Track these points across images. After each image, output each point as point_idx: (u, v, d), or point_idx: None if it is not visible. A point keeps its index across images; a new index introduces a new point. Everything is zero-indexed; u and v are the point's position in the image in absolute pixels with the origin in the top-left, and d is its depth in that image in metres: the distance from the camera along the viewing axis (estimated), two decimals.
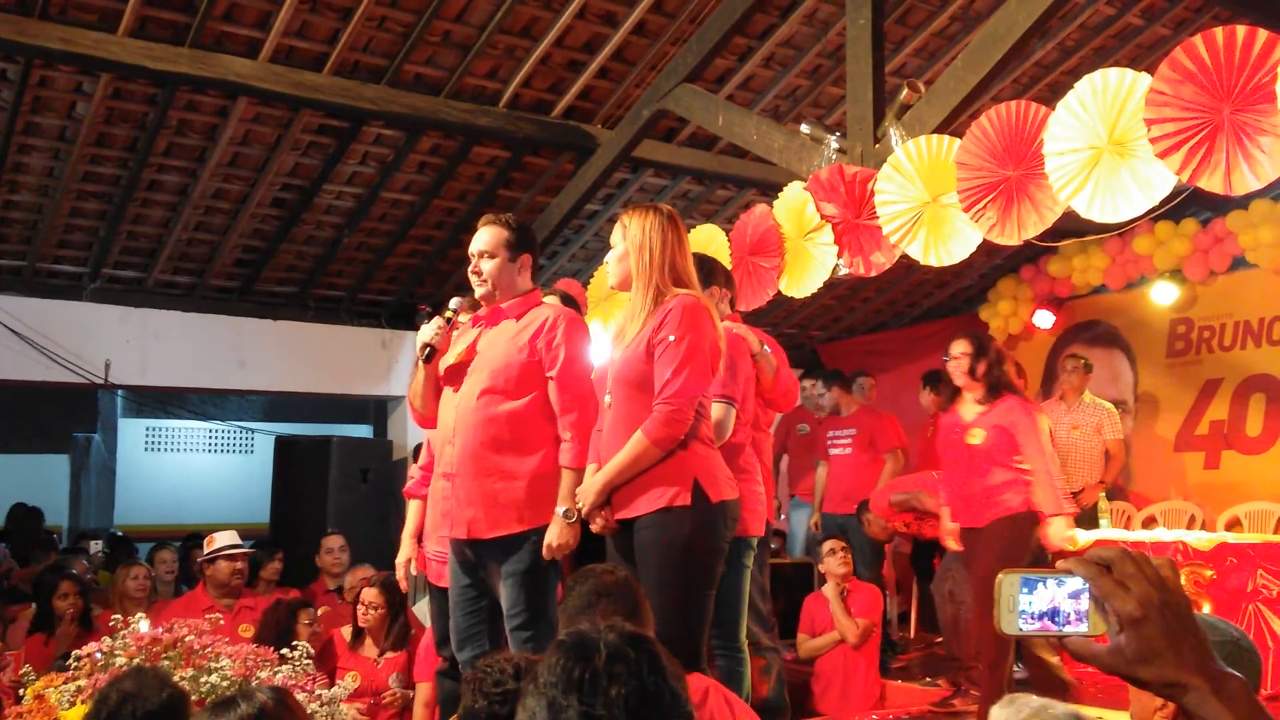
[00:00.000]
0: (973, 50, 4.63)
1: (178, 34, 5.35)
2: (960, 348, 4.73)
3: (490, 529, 3.32)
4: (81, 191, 6.33)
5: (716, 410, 3.74)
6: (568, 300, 4.38)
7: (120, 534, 10.38)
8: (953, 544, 5.21)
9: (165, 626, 3.32)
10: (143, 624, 3.15)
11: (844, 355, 9.38)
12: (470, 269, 3.51)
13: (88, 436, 13.05)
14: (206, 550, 5.57)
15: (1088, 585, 1.06)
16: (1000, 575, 1.10)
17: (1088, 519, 6.78)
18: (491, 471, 3.33)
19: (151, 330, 7.27)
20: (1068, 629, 1.08)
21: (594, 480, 3.20)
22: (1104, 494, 6.86)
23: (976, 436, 4.67)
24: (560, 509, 3.26)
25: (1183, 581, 4.92)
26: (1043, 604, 1.09)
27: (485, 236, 3.49)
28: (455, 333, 3.70)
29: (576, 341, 3.40)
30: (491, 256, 3.46)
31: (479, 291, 3.50)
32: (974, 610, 5.00)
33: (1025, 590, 1.09)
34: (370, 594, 5.07)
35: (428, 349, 3.51)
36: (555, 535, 3.25)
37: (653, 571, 2.97)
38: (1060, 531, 4.61)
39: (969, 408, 4.76)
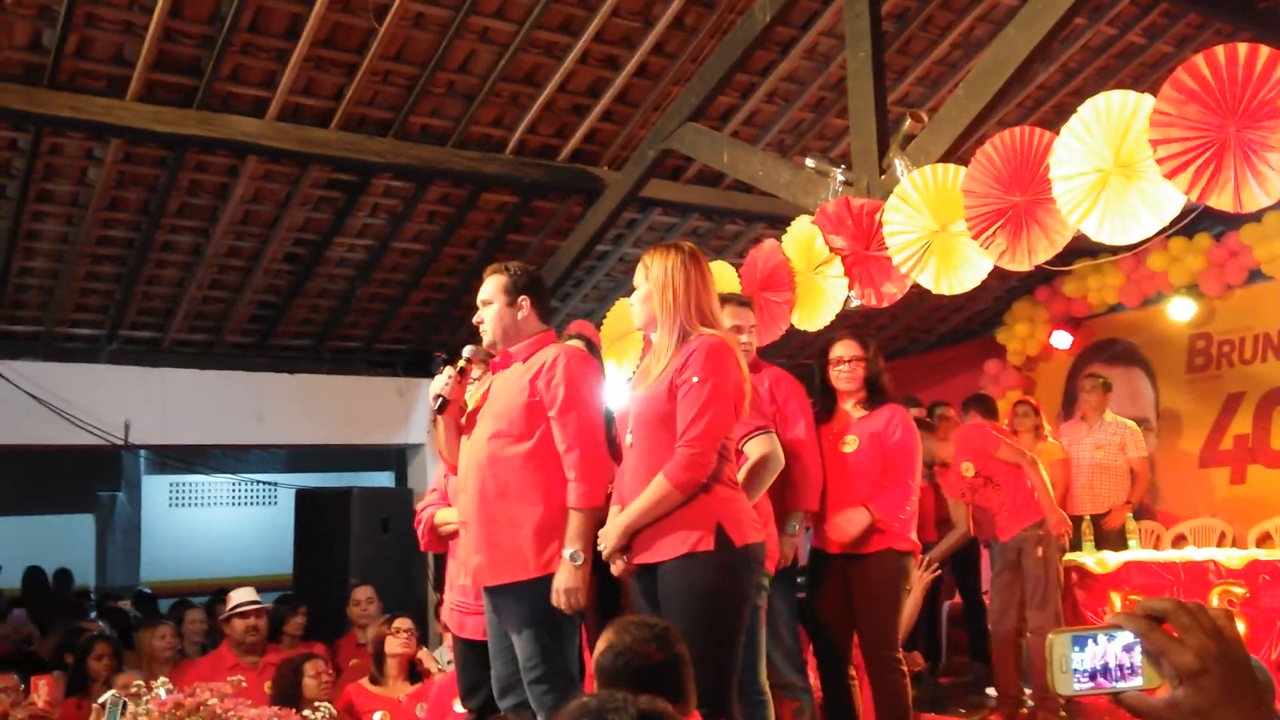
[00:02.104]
0: (974, 77, 4.63)
1: (185, 96, 5.41)
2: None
3: (495, 576, 3.28)
4: (96, 255, 6.38)
5: (762, 443, 3.72)
6: (587, 344, 4.38)
7: (148, 591, 10.41)
8: None
9: (188, 691, 3.30)
10: (161, 690, 3.14)
11: None
12: (475, 319, 3.54)
13: (112, 495, 13.13)
14: (226, 608, 5.58)
15: (1138, 639, 1.04)
16: (1051, 635, 1.09)
17: (1116, 540, 6.70)
18: (498, 518, 3.30)
19: (170, 389, 7.30)
20: (1121, 684, 1.05)
21: (615, 523, 3.16)
22: (1131, 514, 6.78)
23: (851, 444, 4.35)
24: (567, 552, 3.20)
25: (1215, 602, 4.88)
26: (1095, 661, 1.07)
27: (485, 286, 3.52)
28: (475, 379, 3.71)
29: (578, 379, 3.35)
30: (489, 304, 3.48)
31: (485, 340, 3.52)
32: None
33: (1076, 649, 1.07)
34: (405, 621, 5.09)
35: (439, 400, 3.51)
36: (563, 580, 3.19)
37: (678, 618, 2.90)
38: (851, 521, 4.20)
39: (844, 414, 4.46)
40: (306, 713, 3.24)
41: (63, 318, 6.82)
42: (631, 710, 1.49)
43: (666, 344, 3.17)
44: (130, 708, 3.09)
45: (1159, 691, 1.03)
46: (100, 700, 3.15)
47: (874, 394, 4.40)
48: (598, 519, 3.28)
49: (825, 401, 4.51)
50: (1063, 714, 5.27)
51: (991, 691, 6.11)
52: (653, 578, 3.11)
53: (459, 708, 4.51)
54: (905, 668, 4.25)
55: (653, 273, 3.22)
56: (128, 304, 6.80)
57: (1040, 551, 5.49)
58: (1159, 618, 1.03)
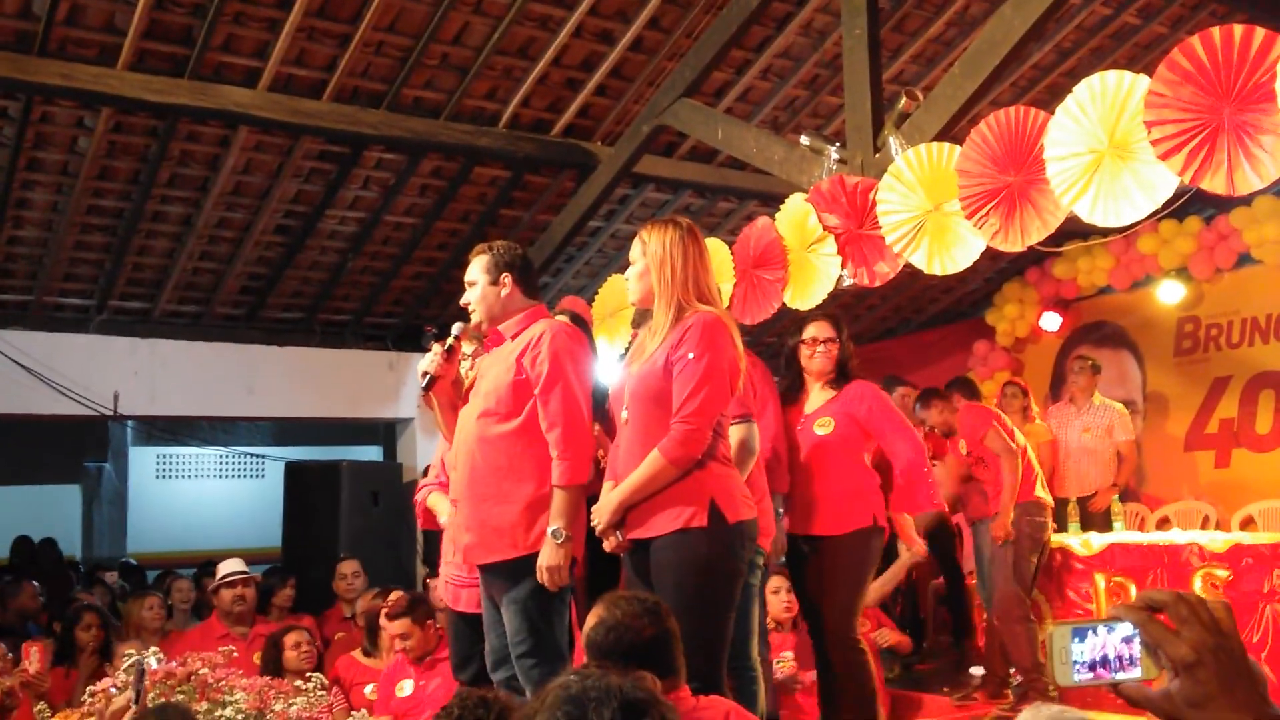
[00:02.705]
0: (970, 56, 4.62)
1: (177, 66, 5.37)
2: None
3: (485, 554, 3.29)
4: (86, 225, 6.35)
5: (739, 430, 3.73)
6: (577, 320, 4.36)
7: (134, 563, 10.41)
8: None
9: (179, 660, 3.31)
10: (152, 659, 3.14)
11: None
12: (462, 300, 3.55)
13: (99, 465, 13.08)
14: (215, 579, 5.60)
15: (1137, 630, 1.06)
16: (1051, 627, 1.11)
17: (1102, 522, 6.75)
18: (488, 496, 3.30)
19: (159, 360, 7.28)
20: (1120, 675, 1.07)
21: (609, 498, 3.16)
22: (1117, 496, 6.82)
23: (826, 426, 4.28)
24: (550, 529, 3.20)
25: (1198, 585, 4.88)
26: (1094, 652, 1.08)
27: (470, 267, 3.53)
28: (467, 356, 3.72)
29: (563, 355, 3.32)
30: (473, 285, 3.49)
31: (473, 320, 3.54)
32: None
33: (1076, 640, 1.09)
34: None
35: (427, 377, 3.52)
36: (546, 557, 3.19)
37: (670, 593, 2.92)
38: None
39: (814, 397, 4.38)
40: (298, 683, 3.25)
41: (52, 287, 6.79)
42: (614, 701, 1.44)
43: (663, 320, 3.17)
44: (124, 677, 3.09)
45: (1157, 683, 1.05)
46: (125, 665, 3.16)
47: (841, 375, 4.36)
48: (582, 496, 3.29)
49: (795, 382, 4.46)
50: (1053, 693, 5.31)
51: (976, 670, 6.16)
52: (645, 553, 3.12)
53: (403, 691, 4.54)
54: (865, 646, 4.20)
55: (650, 248, 3.21)
56: (117, 274, 6.77)
57: (1025, 532, 5.55)
58: (1157, 609, 1.05)
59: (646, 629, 2.55)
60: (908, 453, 4.26)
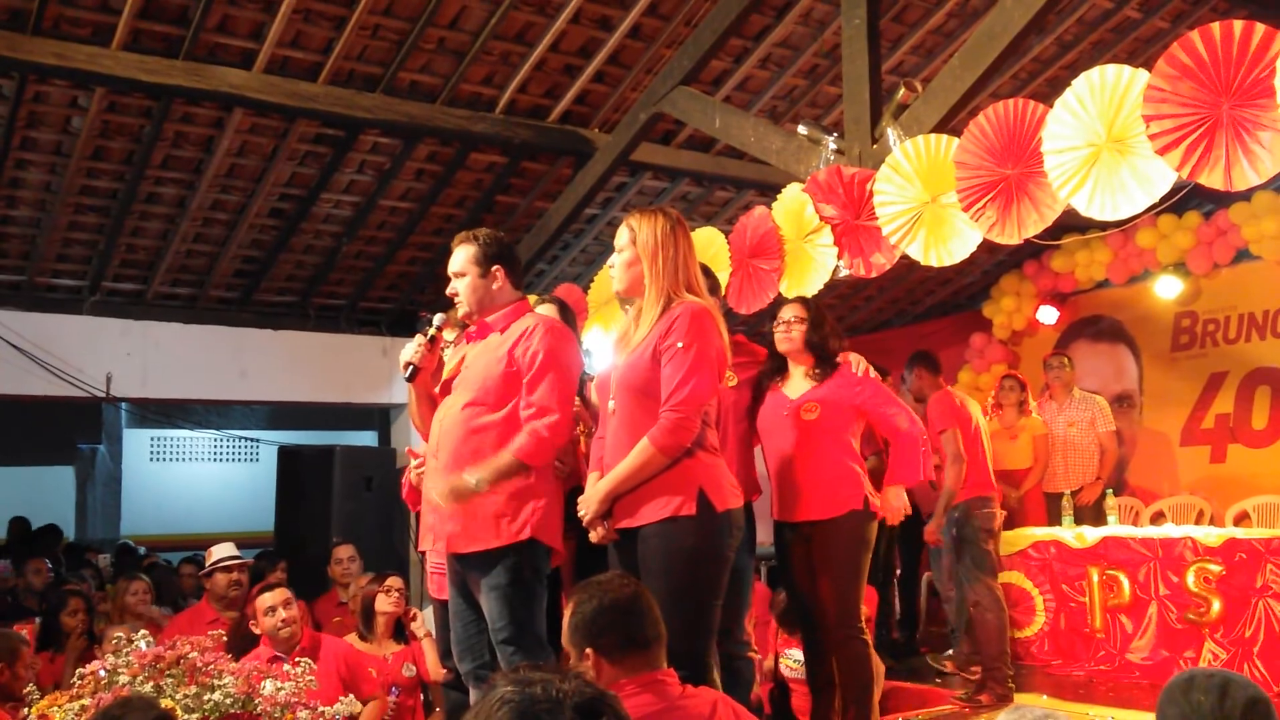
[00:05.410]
0: (969, 48, 4.61)
1: (171, 46, 5.34)
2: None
3: (468, 543, 3.27)
4: (79, 205, 6.32)
5: None
6: (562, 309, 4.31)
7: (132, 544, 10.39)
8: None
9: (168, 644, 3.29)
10: (142, 643, 3.13)
11: None
12: (448, 290, 3.50)
13: (93, 447, 13.06)
14: (207, 563, 5.57)
15: None
16: None
17: (1091, 516, 6.74)
18: None
19: (152, 342, 7.26)
20: None
21: (597, 488, 3.15)
22: (1110, 490, 6.81)
23: (813, 411, 4.14)
24: (474, 476, 3.16)
25: (1191, 579, 4.84)
26: None
27: (455, 257, 3.47)
28: (452, 347, 3.68)
29: (554, 348, 3.30)
30: (461, 276, 3.44)
31: (460, 311, 3.49)
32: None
33: None
34: (396, 580, 5.09)
35: (410, 367, 3.50)
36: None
37: (657, 582, 2.91)
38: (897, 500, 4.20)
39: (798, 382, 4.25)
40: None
41: (45, 268, 6.77)
42: (565, 710, 1.34)
43: (650, 310, 3.16)
44: (111, 660, 3.08)
45: None
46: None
47: (824, 359, 4.22)
48: (518, 474, 3.23)
49: (779, 366, 4.32)
50: (1011, 685, 5.32)
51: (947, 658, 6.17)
52: (632, 543, 3.11)
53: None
54: (868, 637, 4.11)
55: (641, 237, 3.20)
56: (111, 255, 6.74)
57: (977, 524, 5.54)
58: None
59: (626, 588, 2.53)
60: (906, 425, 4.15)
